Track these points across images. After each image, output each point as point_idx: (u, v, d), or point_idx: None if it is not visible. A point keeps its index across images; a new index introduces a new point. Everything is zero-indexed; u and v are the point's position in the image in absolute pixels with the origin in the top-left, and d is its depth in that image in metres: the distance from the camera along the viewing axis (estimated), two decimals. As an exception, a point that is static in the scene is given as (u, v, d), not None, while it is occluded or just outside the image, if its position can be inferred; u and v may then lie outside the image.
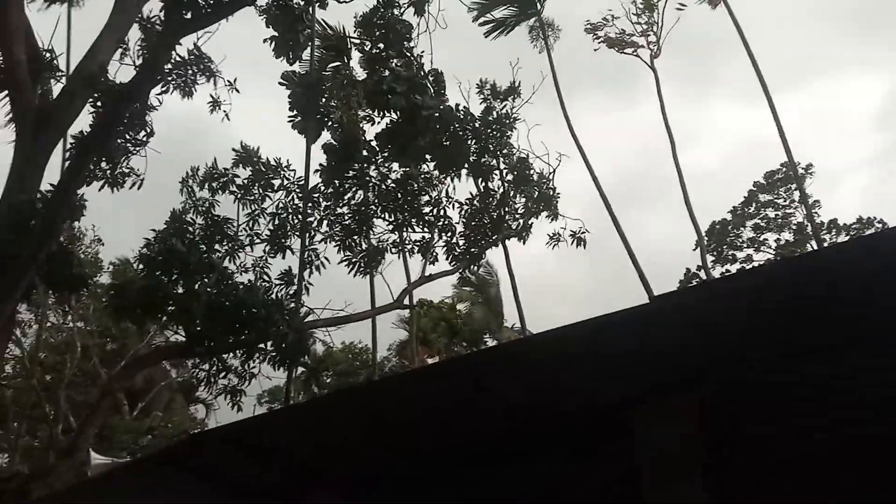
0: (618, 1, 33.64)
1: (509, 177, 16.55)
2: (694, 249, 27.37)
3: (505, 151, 16.38)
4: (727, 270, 32.11)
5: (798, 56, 51.17)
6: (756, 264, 31.66)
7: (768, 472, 2.29)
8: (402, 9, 13.94)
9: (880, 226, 29.39)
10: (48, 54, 12.10)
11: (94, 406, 12.82)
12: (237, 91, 13.88)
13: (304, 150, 15.38)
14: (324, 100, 15.89)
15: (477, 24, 26.46)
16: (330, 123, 15.92)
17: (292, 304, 12.34)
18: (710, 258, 31.89)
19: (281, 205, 14.14)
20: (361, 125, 16.10)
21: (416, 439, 3.53)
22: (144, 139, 12.08)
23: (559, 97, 24.67)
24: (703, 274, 28.67)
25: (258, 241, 13.73)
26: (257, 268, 13.35)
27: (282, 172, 14.10)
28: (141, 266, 12.18)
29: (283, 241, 13.83)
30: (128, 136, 11.95)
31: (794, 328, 2.33)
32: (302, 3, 13.96)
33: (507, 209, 16.37)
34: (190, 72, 12.88)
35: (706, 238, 31.97)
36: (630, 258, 21.63)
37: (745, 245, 32.51)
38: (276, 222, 13.97)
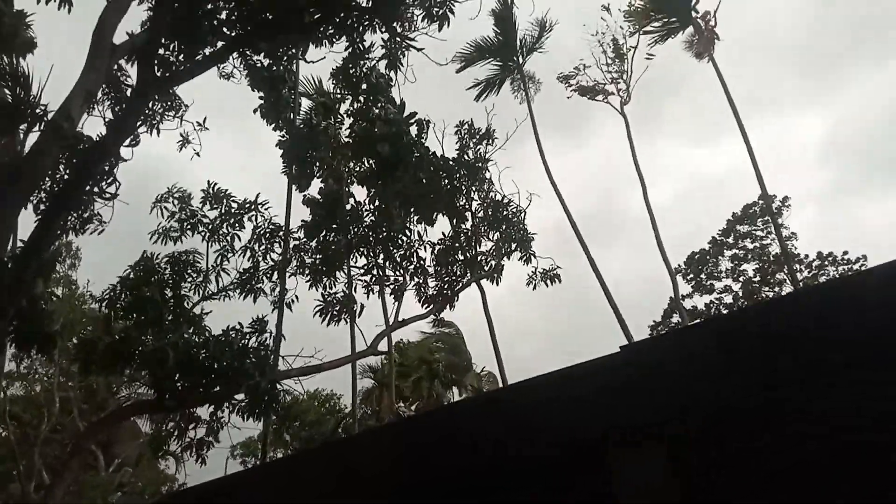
0: (588, 50, 34.69)
1: (480, 214, 16.91)
2: (676, 274, 27.67)
3: (478, 192, 16.75)
4: (711, 301, 32.80)
5: (741, 95, 53.35)
6: (734, 294, 32.43)
7: (760, 485, 2.38)
8: (374, 61, 14.27)
9: (842, 259, 30.43)
10: (20, 104, 12.16)
11: (65, 463, 12.55)
12: (206, 129, 14.08)
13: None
14: (313, 152, 16.22)
15: (466, 90, 27.61)
16: (320, 174, 16.24)
17: (263, 353, 12.28)
18: (688, 287, 32.53)
19: (254, 243, 14.13)
20: (348, 181, 16.44)
21: (400, 475, 3.71)
22: (112, 191, 12.16)
23: (538, 144, 25.31)
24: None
25: (230, 286, 13.70)
26: (223, 294, 13.36)
27: (256, 210, 14.11)
28: (106, 312, 12.11)
29: (253, 282, 13.81)
30: (95, 189, 12.02)
31: (771, 363, 2.50)
32: (268, 62, 14.24)
33: (479, 250, 16.67)
34: (158, 107, 13.02)
35: (684, 267, 32.64)
36: (603, 292, 21.93)
37: (723, 275, 33.14)
38: (248, 262, 13.95)
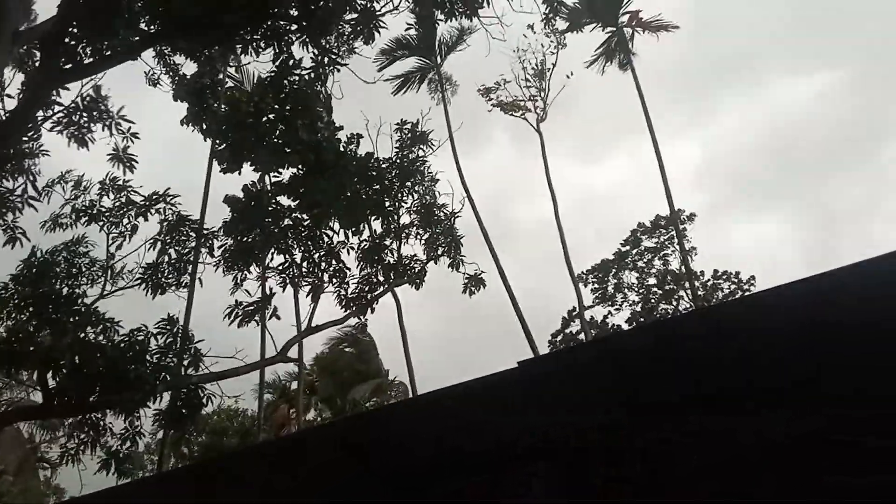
0: (507, 66, 35.48)
1: (411, 216, 16.83)
2: (578, 283, 28.25)
3: (410, 195, 16.66)
4: (610, 311, 34.04)
5: (620, 120, 56.64)
6: (634, 304, 33.68)
7: (684, 480, 2.52)
8: (302, 75, 13.97)
9: (735, 279, 32.34)
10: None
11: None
12: (137, 138, 13.42)
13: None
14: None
15: (384, 80, 27.23)
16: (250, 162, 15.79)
17: (169, 356, 11.78)
18: (593, 297, 33.48)
19: (164, 236, 13.69)
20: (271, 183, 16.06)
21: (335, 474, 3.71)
22: (31, 196, 11.53)
23: (453, 148, 25.51)
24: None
25: (133, 283, 13.22)
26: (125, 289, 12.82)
27: (165, 202, 13.69)
28: None
29: (159, 276, 13.33)
30: (15, 193, 11.44)
31: (663, 382, 2.67)
32: (190, 62, 13.88)
33: (405, 253, 16.65)
34: (83, 118, 12.31)
35: (585, 275, 33.64)
36: (511, 301, 22.35)
37: (626, 288, 34.25)
38: (154, 254, 13.44)
